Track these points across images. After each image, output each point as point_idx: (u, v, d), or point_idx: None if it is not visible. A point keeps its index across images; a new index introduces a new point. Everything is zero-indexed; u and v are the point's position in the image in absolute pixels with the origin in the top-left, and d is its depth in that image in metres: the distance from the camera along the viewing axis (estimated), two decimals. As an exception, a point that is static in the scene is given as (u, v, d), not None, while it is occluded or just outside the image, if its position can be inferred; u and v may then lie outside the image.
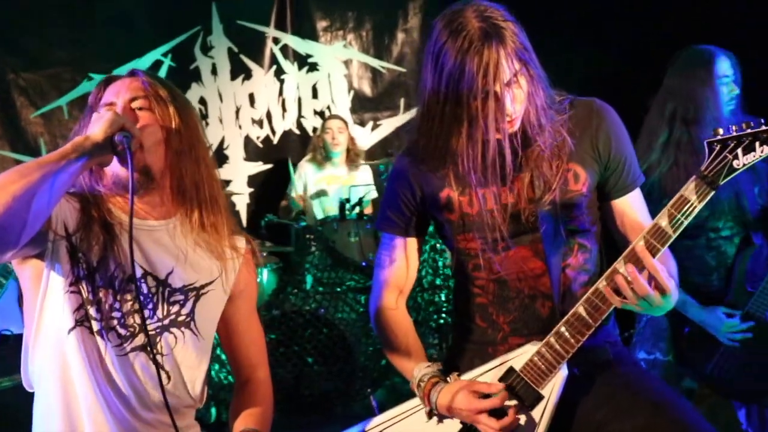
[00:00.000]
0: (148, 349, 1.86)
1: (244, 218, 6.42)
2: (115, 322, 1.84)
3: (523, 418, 1.91)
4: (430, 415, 2.02)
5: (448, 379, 2.00)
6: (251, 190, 6.37)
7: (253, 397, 2.07)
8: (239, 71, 6.28)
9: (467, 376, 1.99)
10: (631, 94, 3.10)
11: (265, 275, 4.99)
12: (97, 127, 1.75)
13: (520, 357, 1.93)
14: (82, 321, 1.81)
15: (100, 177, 1.92)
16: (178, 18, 6.15)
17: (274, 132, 6.45)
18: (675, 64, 3.12)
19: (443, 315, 5.36)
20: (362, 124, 6.66)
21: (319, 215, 5.68)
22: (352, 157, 5.95)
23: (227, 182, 6.24)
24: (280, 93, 6.45)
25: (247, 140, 6.39)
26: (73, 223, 1.84)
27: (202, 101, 6.24)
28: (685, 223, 1.74)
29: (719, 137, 1.73)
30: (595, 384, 1.97)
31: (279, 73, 6.42)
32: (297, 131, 6.52)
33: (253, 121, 6.38)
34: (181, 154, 1.92)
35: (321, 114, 6.53)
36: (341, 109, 6.56)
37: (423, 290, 5.11)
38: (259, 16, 6.30)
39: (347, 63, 6.58)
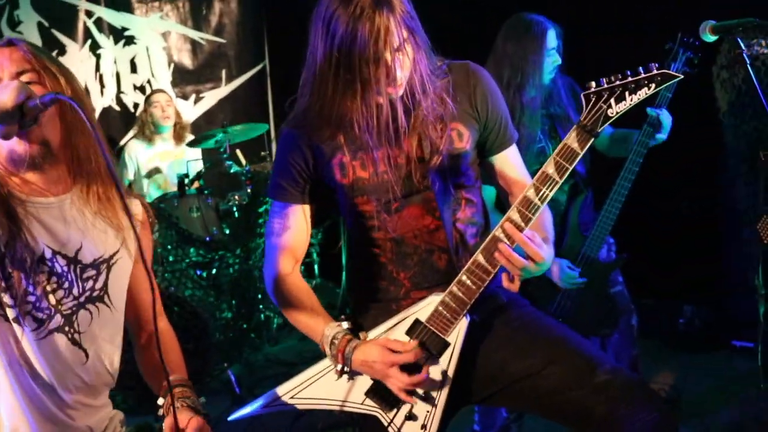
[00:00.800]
0: (66, 329, 1.81)
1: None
2: (30, 306, 1.77)
3: (432, 367, 2.03)
4: (341, 373, 2.09)
5: (359, 336, 2.08)
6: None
7: (164, 347, 2.07)
8: (52, 47, 5.93)
9: (375, 333, 2.08)
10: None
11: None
12: (5, 95, 1.63)
13: (425, 309, 2.04)
14: None
15: None
16: (-20, -9, 5.71)
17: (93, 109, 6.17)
18: (509, 32, 3.33)
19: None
20: (185, 97, 6.51)
21: (156, 193, 5.53)
22: (178, 130, 5.82)
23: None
24: (97, 68, 6.16)
25: (65, 119, 6.05)
26: None
27: (12, 79, 5.82)
28: (570, 169, 1.90)
29: (594, 89, 1.89)
30: (493, 328, 2.12)
31: (94, 47, 6.13)
32: (117, 107, 6.27)
33: (71, 99, 6.04)
34: (74, 126, 1.84)
35: (141, 89, 6.31)
36: (162, 82, 6.38)
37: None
38: (69, -12, 5.97)
39: (165, 35, 6.39)
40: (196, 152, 5.82)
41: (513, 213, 1.94)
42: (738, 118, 4.55)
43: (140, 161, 5.68)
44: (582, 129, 1.89)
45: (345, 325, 2.11)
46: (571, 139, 1.90)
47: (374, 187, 2.08)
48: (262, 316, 5.08)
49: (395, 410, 2.08)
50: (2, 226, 1.75)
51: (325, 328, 2.10)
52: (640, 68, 1.87)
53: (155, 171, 5.66)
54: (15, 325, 1.75)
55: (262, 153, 5.82)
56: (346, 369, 2.08)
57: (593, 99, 1.88)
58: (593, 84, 1.89)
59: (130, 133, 5.90)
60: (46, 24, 5.90)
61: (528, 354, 2.04)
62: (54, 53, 5.88)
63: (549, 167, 1.91)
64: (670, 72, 1.82)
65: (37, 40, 5.85)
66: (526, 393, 2.03)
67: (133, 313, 2.11)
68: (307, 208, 2.21)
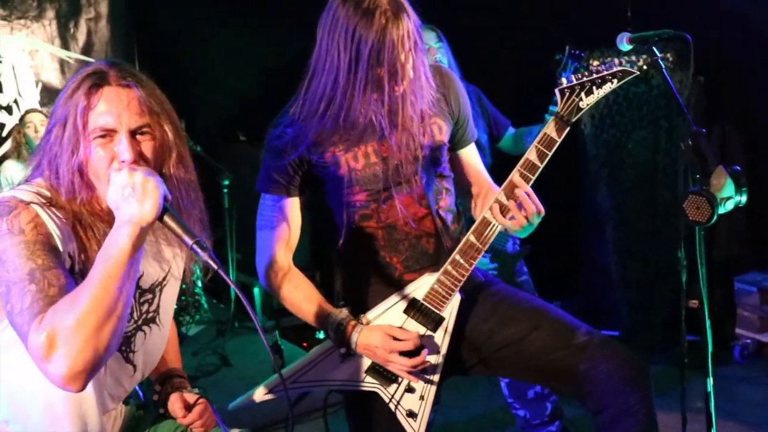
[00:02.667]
0: (123, 348, 1.90)
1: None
2: None
3: (429, 347, 2.23)
4: (346, 355, 2.27)
5: (362, 320, 2.26)
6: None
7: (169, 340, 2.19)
8: None
9: (374, 314, 2.28)
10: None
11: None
12: (147, 207, 1.58)
13: (420, 288, 2.27)
14: None
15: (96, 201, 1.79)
16: None
17: (-42, 130, 5.89)
18: None
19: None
20: (53, 117, 6.31)
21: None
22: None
23: None
24: (-39, 88, 5.89)
25: (-71, 141, 5.76)
26: (73, 247, 1.73)
27: None
28: (549, 155, 2.18)
29: (567, 85, 2.19)
30: (477, 303, 2.36)
31: (-43, 67, 5.86)
32: (-17, 128, 6.01)
33: (-66, 120, 5.76)
34: (174, 172, 1.85)
35: (8, 109, 6.08)
36: (30, 102, 6.16)
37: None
38: (-70, 5, 5.67)
39: (32, 54, 6.19)
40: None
41: (500, 196, 2.18)
42: (598, 128, 5.09)
43: (16, 181, 5.49)
44: (560, 119, 2.18)
45: (345, 311, 2.27)
46: (550, 128, 2.19)
47: (366, 178, 2.25)
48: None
49: (395, 385, 2.28)
50: (82, 248, 1.75)
51: (329, 314, 2.25)
52: (603, 66, 2.19)
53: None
54: None
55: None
56: (350, 352, 2.25)
57: (567, 93, 2.19)
58: (565, 81, 2.19)
59: (4, 151, 5.67)
60: None
61: (512, 323, 2.29)
62: None
63: (531, 154, 2.18)
64: (628, 69, 2.16)
65: None
66: (513, 358, 2.28)
67: None
68: (298, 200, 2.34)
